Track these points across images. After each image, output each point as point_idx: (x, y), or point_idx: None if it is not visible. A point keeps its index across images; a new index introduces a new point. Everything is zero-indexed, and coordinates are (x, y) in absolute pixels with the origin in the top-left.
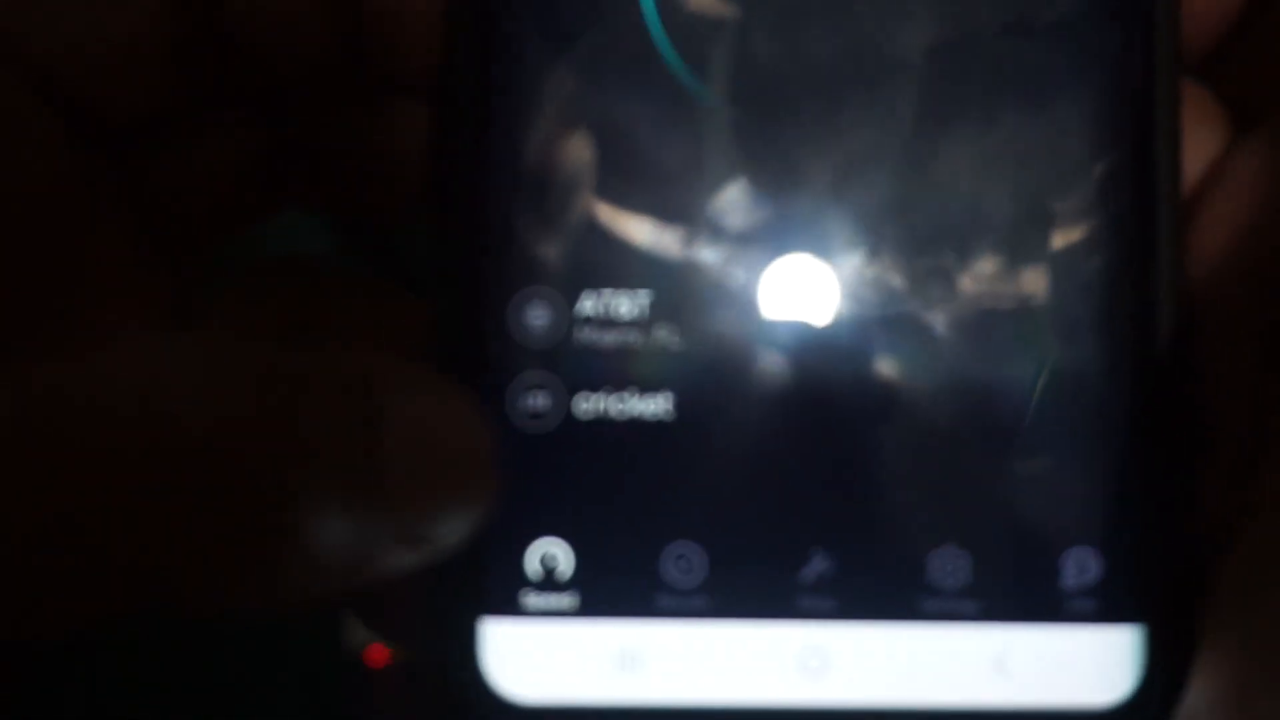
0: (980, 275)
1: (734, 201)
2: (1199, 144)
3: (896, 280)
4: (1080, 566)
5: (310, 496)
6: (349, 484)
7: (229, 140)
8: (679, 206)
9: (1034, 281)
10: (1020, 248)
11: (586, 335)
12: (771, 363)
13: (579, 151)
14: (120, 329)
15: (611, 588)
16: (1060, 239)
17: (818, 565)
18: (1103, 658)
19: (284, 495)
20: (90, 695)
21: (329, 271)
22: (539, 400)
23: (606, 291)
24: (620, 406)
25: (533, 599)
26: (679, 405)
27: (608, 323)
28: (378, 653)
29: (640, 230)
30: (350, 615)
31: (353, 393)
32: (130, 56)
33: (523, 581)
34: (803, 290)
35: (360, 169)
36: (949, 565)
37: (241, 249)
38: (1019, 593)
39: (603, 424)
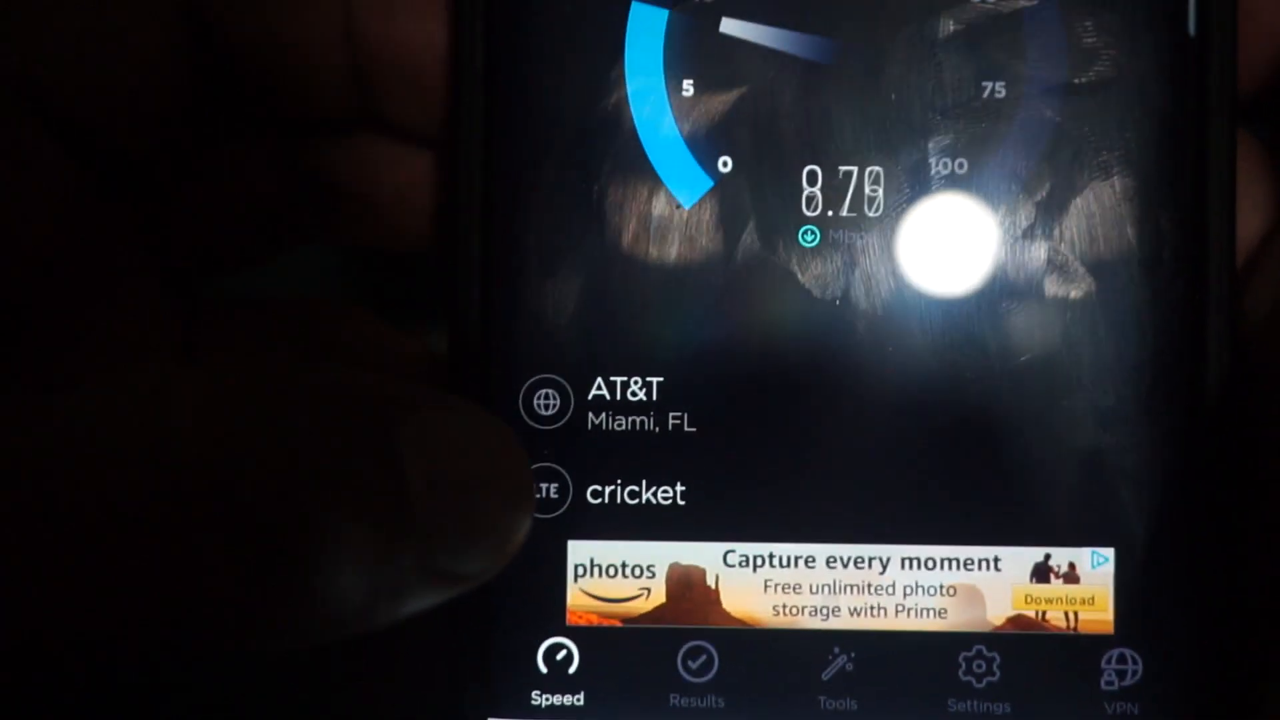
0: (1000, 362)
1: (746, 283)
2: (1252, 204)
3: (910, 366)
4: (1121, 668)
5: (326, 530)
6: (369, 514)
7: (242, 177)
8: (690, 289)
9: (1070, 359)
10: (1050, 315)
11: (597, 423)
12: (783, 449)
13: (588, 235)
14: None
15: (623, 687)
16: (1098, 310)
17: (839, 663)
18: None
19: (298, 528)
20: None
21: (339, 311)
22: (549, 489)
23: (617, 378)
24: (631, 496)
25: (542, 698)
26: (690, 494)
27: (618, 410)
28: None
29: (651, 315)
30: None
31: (368, 416)
32: (142, 95)
33: (532, 680)
34: (817, 372)
35: (369, 207)
36: (980, 665)
37: (255, 284)
38: (1055, 695)
39: (614, 513)
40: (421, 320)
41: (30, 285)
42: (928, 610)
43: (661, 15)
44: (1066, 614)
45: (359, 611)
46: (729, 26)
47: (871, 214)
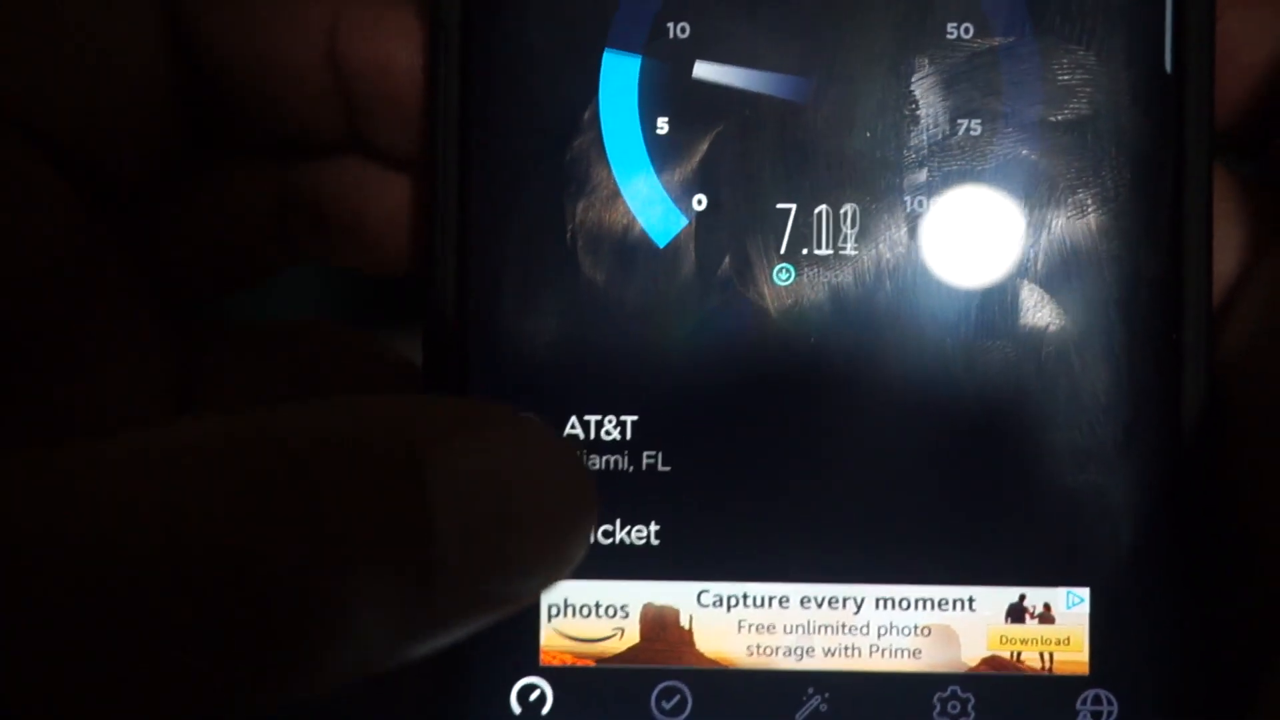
0: (977, 406)
1: (720, 322)
2: (1229, 241)
3: (883, 405)
4: (1096, 709)
5: (348, 599)
6: (395, 576)
7: (230, 199)
8: (665, 328)
9: (1046, 397)
10: (1026, 354)
11: None
12: (758, 488)
13: (563, 274)
14: (125, 390)
15: None
16: (1074, 348)
17: (814, 704)
18: None
19: (318, 601)
20: None
21: (337, 332)
22: None
23: (591, 417)
24: (605, 536)
25: None
26: (664, 533)
27: (592, 449)
28: None
29: (625, 354)
30: None
31: (391, 463)
32: (129, 118)
33: None
34: (791, 412)
35: (358, 230)
36: (955, 706)
37: (250, 303)
38: None
39: (587, 553)
40: (404, 344)
41: (23, 310)
42: (902, 651)
43: (634, 61)
44: (1042, 654)
45: (388, 655)
46: (702, 70)
47: (847, 252)
